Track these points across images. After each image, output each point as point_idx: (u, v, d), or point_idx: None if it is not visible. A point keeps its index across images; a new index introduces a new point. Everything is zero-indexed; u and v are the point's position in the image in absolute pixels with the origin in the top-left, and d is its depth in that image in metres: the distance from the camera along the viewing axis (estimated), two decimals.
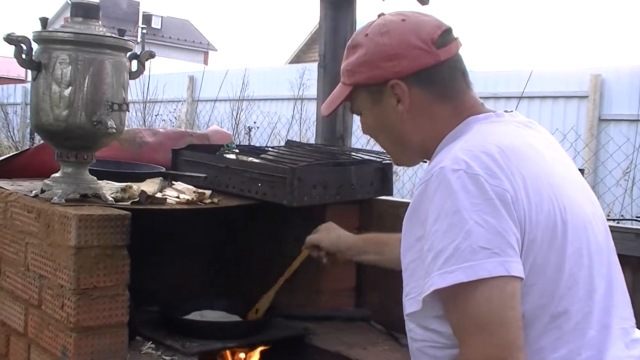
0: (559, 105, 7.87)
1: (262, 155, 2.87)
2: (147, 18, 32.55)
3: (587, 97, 7.69)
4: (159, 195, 2.46)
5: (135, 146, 3.13)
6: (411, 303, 1.53)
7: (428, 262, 1.44)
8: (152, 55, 2.43)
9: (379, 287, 2.82)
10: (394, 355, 2.44)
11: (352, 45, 1.74)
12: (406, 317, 1.61)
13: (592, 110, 7.58)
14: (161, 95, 11.13)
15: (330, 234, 2.38)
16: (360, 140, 8.11)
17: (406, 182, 7.61)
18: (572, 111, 7.78)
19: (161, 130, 3.43)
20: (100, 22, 2.32)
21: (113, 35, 2.28)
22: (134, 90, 10.19)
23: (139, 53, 2.39)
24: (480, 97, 6.82)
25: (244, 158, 2.84)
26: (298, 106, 8.80)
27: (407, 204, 2.88)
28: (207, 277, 3.07)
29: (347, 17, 3.67)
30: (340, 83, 1.79)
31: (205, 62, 34.11)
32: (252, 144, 8.42)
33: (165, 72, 13.01)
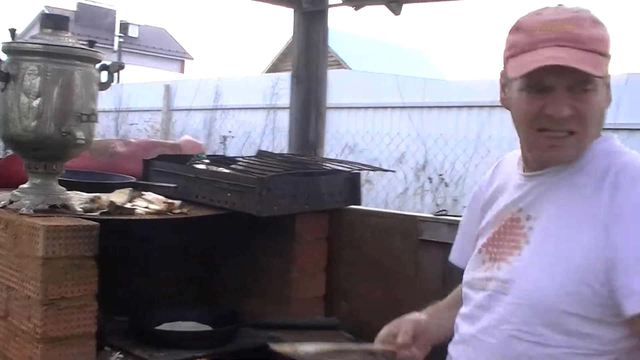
0: None
1: (232, 166, 2.89)
2: (125, 27, 32.42)
3: None
4: (128, 205, 2.46)
5: (107, 156, 3.14)
6: (633, 301, 1.43)
7: None
8: (121, 67, 2.45)
9: (348, 296, 2.85)
10: None
11: (595, 20, 1.54)
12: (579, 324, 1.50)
13: None
14: (137, 104, 11.11)
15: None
16: (334, 149, 8.17)
17: (380, 190, 7.65)
18: None
19: (133, 140, 3.44)
20: (70, 34, 2.33)
21: (82, 46, 2.29)
22: (109, 100, 10.17)
23: (108, 64, 2.41)
24: (454, 107, 6.95)
25: (214, 168, 2.85)
26: (272, 115, 8.83)
27: (377, 212, 2.94)
28: (179, 287, 3.07)
29: (320, 28, 3.71)
30: (589, 52, 1.50)
31: (182, 71, 34.04)
32: (227, 153, 8.43)
33: (142, 81, 12.98)
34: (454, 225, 2.80)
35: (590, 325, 1.48)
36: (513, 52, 1.56)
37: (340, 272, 2.87)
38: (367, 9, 3.69)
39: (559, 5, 1.57)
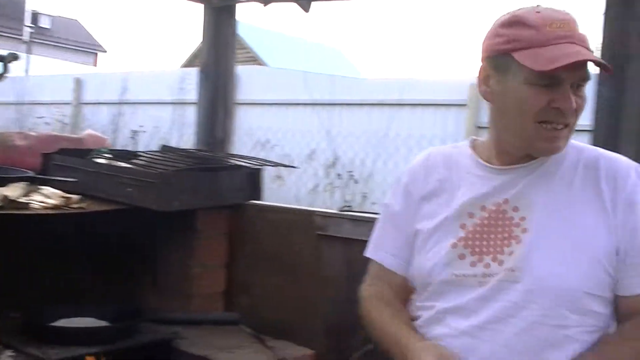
0: (440, 113, 8.08)
1: (133, 160, 2.87)
2: (35, 17, 31.53)
3: (465, 105, 7.93)
4: (23, 199, 2.42)
5: (5, 149, 3.07)
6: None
7: None
8: (15, 58, 2.40)
9: (249, 291, 2.86)
10: (260, 358, 2.49)
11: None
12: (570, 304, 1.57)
13: (470, 119, 7.81)
14: (46, 97, 10.84)
15: None
16: (246, 145, 8.15)
17: (291, 187, 7.68)
18: (452, 119, 8.01)
19: (33, 133, 3.37)
20: None
21: None
22: (13, 92, 9.91)
23: (4, 54, 2.36)
24: (367, 104, 7.00)
25: (115, 163, 2.82)
26: (181, 111, 8.76)
27: (277, 208, 2.96)
28: (77, 283, 3.02)
29: (229, 23, 3.71)
30: (585, 48, 1.57)
31: (95, 64, 33.35)
32: (137, 147, 8.31)
33: (52, 73, 12.69)
34: (358, 220, 2.86)
35: (600, 304, 1.58)
36: (515, 45, 1.57)
37: (241, 267, 2.89)
38: (277, 6, 3.71)
39: (538, 5, 1.61)
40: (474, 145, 1.77)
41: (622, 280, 1.58)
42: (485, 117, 7.97)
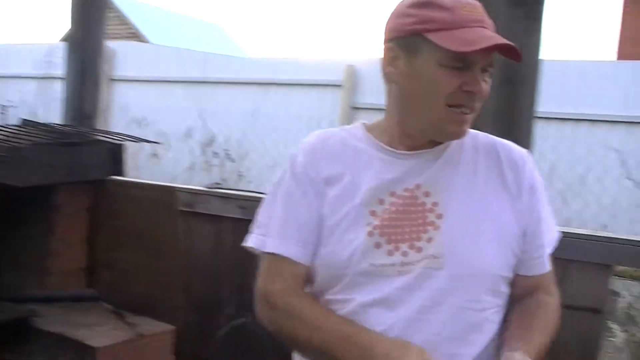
0: (316, 92, 8.18)
1: None
2: None
3: (341, 86, 8.04)
4: None
5: None
6: (541, 262, 1.67)
7: (551, 223, 1.68)
8: None
9: (111, 267, 2.83)
10: (118, 334, 2.47)
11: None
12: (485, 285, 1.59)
13: (346, 99, 7.94)
14: None
15: None
16: (120, 122, 8.02)
17: (167, 164, 7.61)
18: (327, 99, 8.12)
19: None
20: None
21: None
22: None
23: None
24: (242, 83, 6.96)
25: None
26: (51, 85, 8.53)
27: (138, 184, 2.94)
28: None
29: None
30: (495, 34, 1.55)
31: None
32: (7, 122, 8.03)
33: None
34: (227, 198, 2.89)
35: (506, 284, 1.63)
36: (430, 26, 1.51)
37: (102, 243, 2.85)
38: None
39: None
40: (368, 129, 1.70)
41: (526, 261, 1.64)
42: (360, 98, 8.17)
